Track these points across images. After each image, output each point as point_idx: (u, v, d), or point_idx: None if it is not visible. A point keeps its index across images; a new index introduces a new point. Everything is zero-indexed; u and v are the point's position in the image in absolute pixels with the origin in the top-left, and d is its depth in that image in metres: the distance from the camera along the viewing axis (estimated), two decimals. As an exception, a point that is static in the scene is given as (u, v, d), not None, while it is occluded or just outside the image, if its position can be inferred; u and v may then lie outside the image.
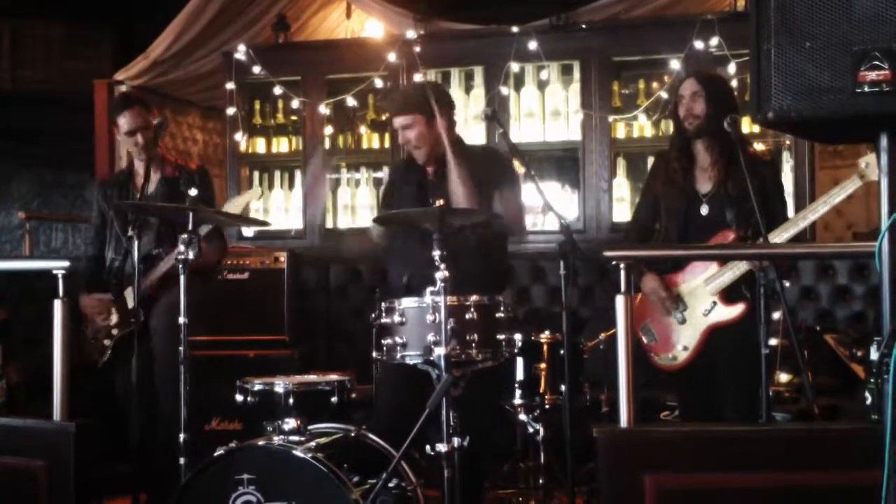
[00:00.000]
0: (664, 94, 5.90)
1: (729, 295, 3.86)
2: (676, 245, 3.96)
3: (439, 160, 4.00)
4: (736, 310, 3.85)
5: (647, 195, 4.17)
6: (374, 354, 3.64)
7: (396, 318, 3.39)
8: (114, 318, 4.37)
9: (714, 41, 5.81)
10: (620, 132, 6.18)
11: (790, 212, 4.03)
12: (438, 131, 3.96)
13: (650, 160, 4.39)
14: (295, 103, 6.49)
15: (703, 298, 3.90)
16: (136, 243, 3.94)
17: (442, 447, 3.22)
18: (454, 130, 4.09)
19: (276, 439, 3.33)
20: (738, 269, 3.80)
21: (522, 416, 4.33)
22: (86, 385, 4.29)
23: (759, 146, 5.76)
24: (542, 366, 4.26)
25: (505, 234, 4.10)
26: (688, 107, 3.91)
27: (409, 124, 3.97)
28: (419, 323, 3.34)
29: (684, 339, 3.93)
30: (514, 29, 6.14)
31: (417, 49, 6.26)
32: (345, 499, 3.13)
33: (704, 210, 3.95)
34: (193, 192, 4.14)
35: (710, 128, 3.88)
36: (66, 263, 3.53)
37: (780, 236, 3.69)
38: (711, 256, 3.88)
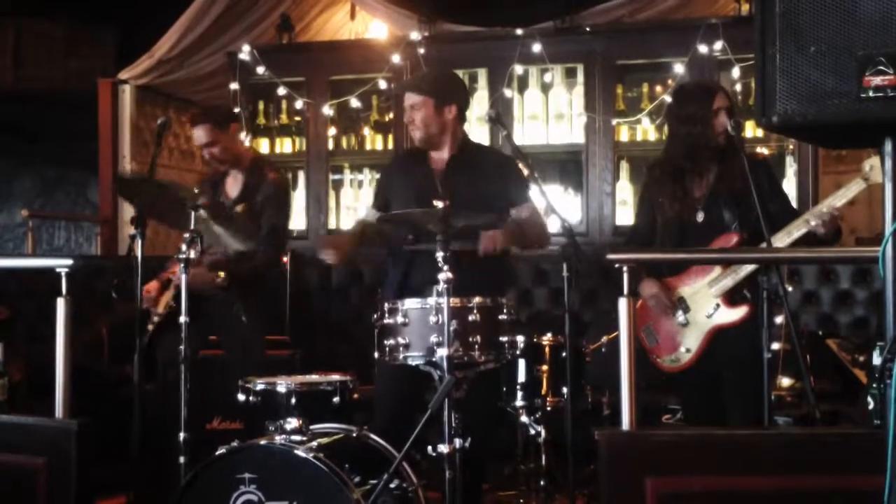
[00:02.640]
0: (668, 98, 5.90)
1: (732, 297, 3.86)
2: (680, 248, 3.96)
3: (455, 156, 4.01)
4: (739, 312, 3.85)
5: (645, 206, 4.16)
6: (376, 355, 3.65)
7: (399, 319, 3.38)
8: (161, 307, 4.54)
9: (718, 45, 5.81)
10: (624, 135, 6.19)
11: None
12: (446, 120, 3.97)
13: (654, 161, 4.36)
14: (298, 104, 6.50)
15: (707, 300, 3.90)
16: (140, 242, 3.94)
17: (443, 448, 3.22)
18: (462, 127, 4.08)
19: (278, 439, 3.33)
20: (743, 271, 3.80)
21: (524, 419, 4.33)
22: (93, 380, 4.32)
23: (760, 149, 5.81)
24: (544, 368, 4.26)
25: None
26: (723, 121, 3.89)
27: (417, 104, 3.96)
28: (422, 324, 3.34)
29: (687, 342, 3.93)
30: (519, 31, 6.15)
31: (421, 51, 6.27)
32: (346, 499, 3.12)
33: (700, 217, 3.94)
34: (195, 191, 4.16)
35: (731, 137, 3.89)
36: (69, 262, 3.53)
37: (783, 240, 3.69)
38: (714, 260, 3.88)
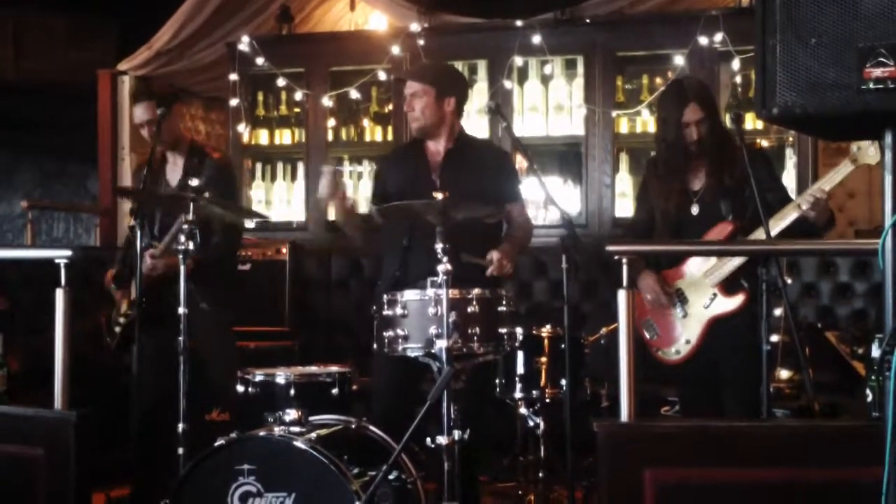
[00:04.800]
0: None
1: (728, 286, 3.86)
2: (679, 241, 3.96)
3: (452, 149, 4.01)
4: (736, 301, 3.85)
5: (642, 203, 4.16)
6: (375, 346, 3.65)
7: (398, 311, 3.38)
8: (123, 307, 4.41)
9: (718, 37, 5.80)
10: (623, 127, 6.18)
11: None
12: (444, 111, 3.97)
13: (653, 155, 4.36)
14: (298, 95, 6.49)
15: (704, 291, 3.90)
16: (139, 233, 3.95)
17: (443, 440, 3.22)
18: (459, 121, 4.09)
19: (277, 430, 3.32)
20: (737, 259, 3.80)
21: (523, 410, 4.33)
22: (92, 371, 4.30)
23: (760, 141, 5.80)
24: (543, 360, 4.27)
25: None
26: (693, 133, 3.88)
27: (418, 92, 3.97)
28: (421, 315, 3.33)
29: (687, 333, 3.93)
30: (519, 23, 6.13)
31: (421, 42, 6.25)
32: (344, 490, 3.13)
33: (695, 210, 3.95)
34: (195, 181, 4.14)
35: (711, 140, 3.88)
36: (68, 252, 3.52)
37: (777, 225, 3.69)
38: (715, 252, 3.88)
